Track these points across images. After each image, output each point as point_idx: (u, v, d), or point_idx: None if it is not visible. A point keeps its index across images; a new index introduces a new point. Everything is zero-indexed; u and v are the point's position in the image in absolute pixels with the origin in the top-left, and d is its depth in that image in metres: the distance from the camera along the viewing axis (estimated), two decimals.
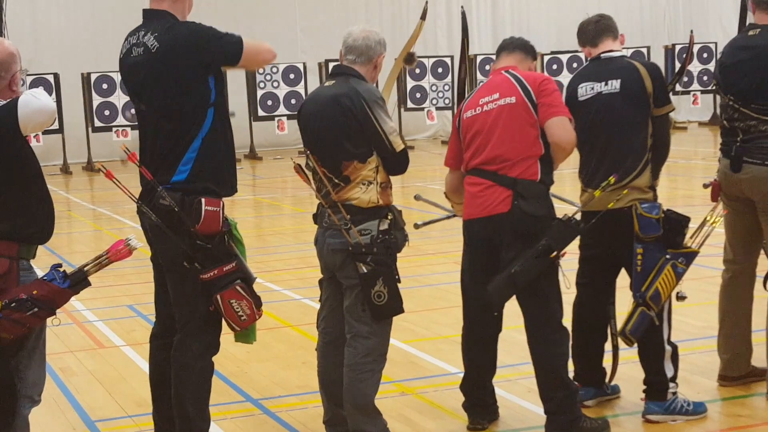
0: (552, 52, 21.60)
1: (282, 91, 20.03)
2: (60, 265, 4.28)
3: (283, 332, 7.37)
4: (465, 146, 5.14)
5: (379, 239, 4.71)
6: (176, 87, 4.48)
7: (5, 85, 4.24)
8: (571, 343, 5.20)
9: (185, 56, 4.45)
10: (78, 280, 4.23)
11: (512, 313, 5.18)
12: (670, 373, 5.22)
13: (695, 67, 21.93)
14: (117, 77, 17.97)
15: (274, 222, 13.16)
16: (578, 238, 5.19)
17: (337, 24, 19.85)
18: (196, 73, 4.48)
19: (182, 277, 4.54)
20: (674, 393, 5.23)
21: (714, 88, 6.42)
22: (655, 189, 5.29)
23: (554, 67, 21.32)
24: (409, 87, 20.83)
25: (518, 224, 4.90)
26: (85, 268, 4.25)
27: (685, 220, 5.17)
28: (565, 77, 20.00)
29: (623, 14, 19.44)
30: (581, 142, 5.26)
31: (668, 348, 5.23)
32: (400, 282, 4.75)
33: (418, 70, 20.76)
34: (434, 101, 21.04)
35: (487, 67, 18.14)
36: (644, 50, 21.60)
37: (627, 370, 5.73)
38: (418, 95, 20.95)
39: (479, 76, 20.19)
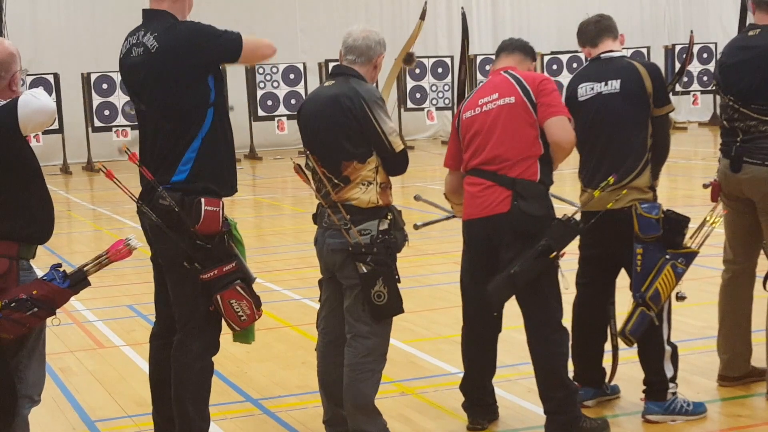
0: (552, 53, 21.61)
1: (282, 91, 20.04)
2: (60, 265, 4.28)
3: (283, 332, 7.37)
4: (464, 147, 5.14)
5: (379, 239, 4.71)
6: (176, 87, 4.48)
7: (5, 85, 4.24)
8: (571, 343, 5.20)
9: (185, 56, 4.45)
10: (78, 280, 4.23)
11: (512, 313, 5.18)
12: (669, 373, 5.22)
13: (695, 67, 21.94)
14: (117, 77, 17.98)
15: (274, 222, 13.17)
16: (578, 238, 5.19)
17: (337, 24, 19.88)
18: (195, 73, 4.48)
19: (182, 277, 4.54)
20: (674, 393, 5.23)
21: (714, 88, 6.42)
22: (655, 189, 5.29)
23: (554, 67, 21.33)
24: (409, 87, 20.84)
25: (518, 224, 4.90)
26: (85, 268, 4.25)
27: (684, 221, 5.17)
28: (565, 77, 20.00)
29: (623, 14, 19.43)
30: (581, 142, 5.26)
31: (668, 348, 5.23)
32: (400, 282, 4.75)
33: (418, 70, 20.77)
34: (434, 101, 21.05)
35: (487, 68, 18.12)
36: (644, 50, 21.61)
37: (627, 370, 5.73)
38: (418, 95, 20.96)
39: (479, 77, 20.19)
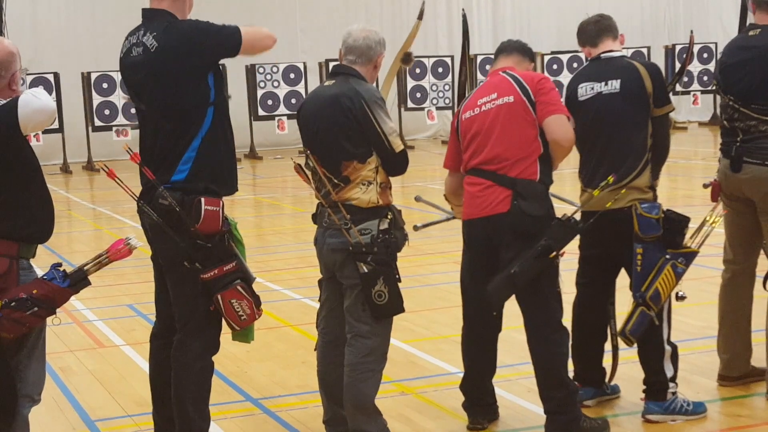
0: (552, 52, 21.62)
1: (282, 90, 20.04)
2: (60, 265, 4.28)
3: (283, 332, 7.37)
4: (464, 147, 5.14)
5: (379, 239, 4.71)
6: (176, 86, 4.48)
7: (5, 85, 4.24)
8: (571, 343, 5.20)
9: (185, 55, 4.45)
10: (78, 280, 4.23)
11: (512, 313, 5.18)
12: (669, 373, 5.22)
13: (695, 67, 21.94)
14: (117, 77, 18.00)
15: (274, 222, 13.17)
16: (578, 237, 5.20)
17: (337, 24, 19.86)
18: (195, 72, 4.48)
19: (182, 276, 4.54)
20: (674, 393, 5.23)
21: (714, 88, 6.42)
22: (655, 189, 5.29)
23: (554, 67, 21.34)
24: (409, 87, 20.85)
25: (517, 224, 4.90)
26: (85, 268, 4.25)
27: (684, 220, 5.17)
28: (565, 77, 20.02)
29: (623, 14, 19.40)
30: (581, 142, 5.27)
31: (668, 348, 5.23)
32: (400, 281, 4.75)
33: (418, 70, 20.79)
34: (434, 101, 21.05)
35: (488, 67, 18.21)
36: (644, 50, 21.62)
37: (627, 370, 5.73)
38: (418, 95, 20.96)
39: (480, 77, 20.19)
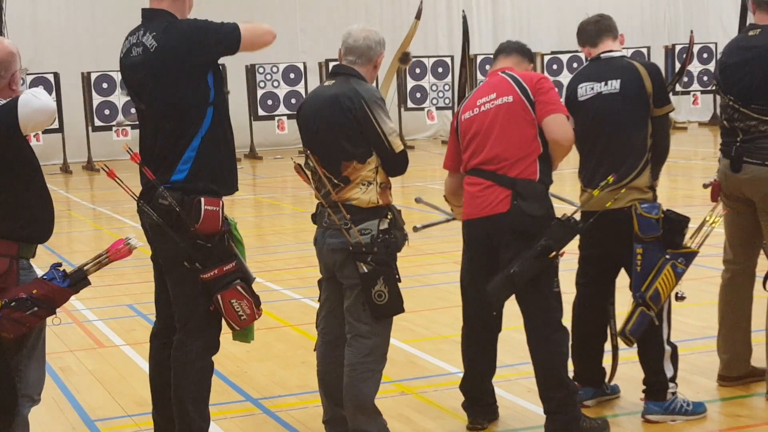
0: (552, 52, 21.62)
1: (282, 90, 20.05)
2: (60, 265, 4.28)
3: (282, 332, 7.37)
4: (464, 147, 5.14)
5: (379, 239, 4.71)
6: (175, 86, 4.48)
7: (5, 85, 4.24)
8: (570, 343, 5.20)
9: (184, 55, 4.45)
10: (78, 280, 4.23)
11: (512, 313, 5.18)
12: (669, 373, 5.22)
13: (695, 67, 21.94)
14: (117, 76, 18.00)
15: (274, 222, 13.17)
16: (578, 237, 5.20)
17: (337, 24, 19.86)
18: (195, 71, 4.48)
19: (182, 276, 4.54)
20: (674, 393, 5.23)
21: (714, 88, 6.41)
22: (655, 189, 5.29)
23: (554, 67, 21.34)
24: (409, 87, 20.85)
25: (517, 224, 4.90)
26: (85, 268, 4.25)
27: (684, 221, 5.17)
28: (565, 77, 20.02)
29: (623, 14, 19.41)
30: (581, 142, 5.27)
31: (668, 348, 5.23)
32: (400, 281, 4.75)
33: (418, 70, 20.79)
34: (434, 101, 21.05)
35: (488, 67, 18.23)
36: (644, 50, 21.62)
37: (627, 370, 5.73)
38: (418, 95, 20.96)
39: (479, 77, 20.19)
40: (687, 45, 17.37)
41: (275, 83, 20.01)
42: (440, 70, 21.07)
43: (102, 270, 4.31)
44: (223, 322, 4.59)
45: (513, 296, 5.00)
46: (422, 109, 21.04)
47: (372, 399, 4.81)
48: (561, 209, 5.19)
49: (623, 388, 5.62)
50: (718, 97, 5.91)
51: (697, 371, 5.93)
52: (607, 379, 5.58)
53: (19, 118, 4.11)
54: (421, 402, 5.74)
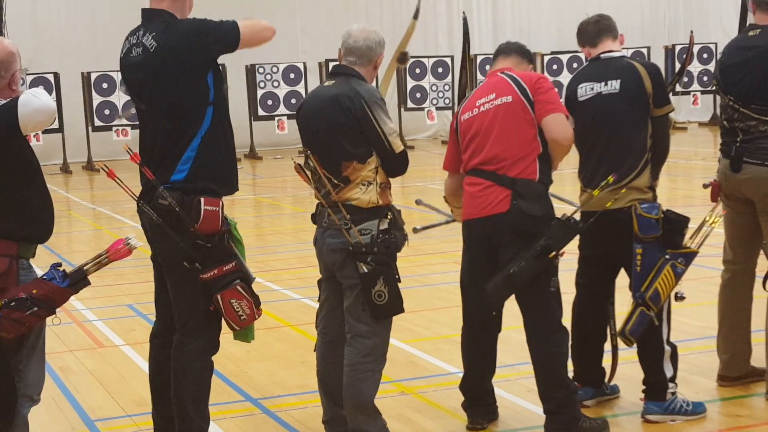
0: (552, 53, 21.63)
1: (282, 90, 20.05)
2: (59, 264, 4.28)
3: (282, 332, 7.37)
4: (463, 148, 5.14)
5: (379, 239, 4.71)
6: (175, 86, 4.48)
7: (5, 85, 4.24)
8: (570, 343, 5.20)
9: (184, 55, 4.45)
10: (77, 279, 4.23)
11: (512, 313, 5.18)
12: (669, 373, 5.22)
13: (695, 67, 21.94)
14: (117, 76, 17.98)
15: (274, 222, 13.17)
16: (577, 237, 5.20)
17: (337, 24, 19.87)
18: (195, 71, 4.48)
19: (182, 276, 4.54)
20: (673, 393, 5.23)
21: (714, 88, 6.41)
22: (655, 189, 5.29)
23: (554, 67, 21.34)
24: (409, 87, 20.85)
25: (517, 224, 4.90)
26: (85, 268, 4.25)
27: (684, 221, 5.17)
28: (565, 77, 20.02)
29: (623, 14, 19.43)
30: (581, 142, 5.27)
31: (667, 348, 5.24)
32: (400, 281, 4.75)
33: (418, 70, 20.79)
34: (434, 101, 21.05)
35: (488, 67, 18.24)
36: (644, 50, 21.62)
37: (626, 370, 5.73)
38: (418, 95, 20.96)
39: (480, 77, 20.19)
40: (687, 45, 17.38)
41: (275, 83, 20.01)
42: (440, 70, 21.06)
43: (102, 270, 4.31)
44: (223, 322, 4.59)
45: (513, 296, 5.00)
46: (422, 109, 21.04)
47: (372, 399, 4.81)
48: (561, 209, 5.19)
49: (623, 388, 5.62)
50: (718, 97, 5.91)
51: (696, 371, 5.93)
52: (606, 379, 5.58)
53: (19, 118, 4.11)
54: (420, 402, 5.74)
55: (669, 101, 5.34)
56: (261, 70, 19.85)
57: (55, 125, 17.66)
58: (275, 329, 7.36)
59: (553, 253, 4.85)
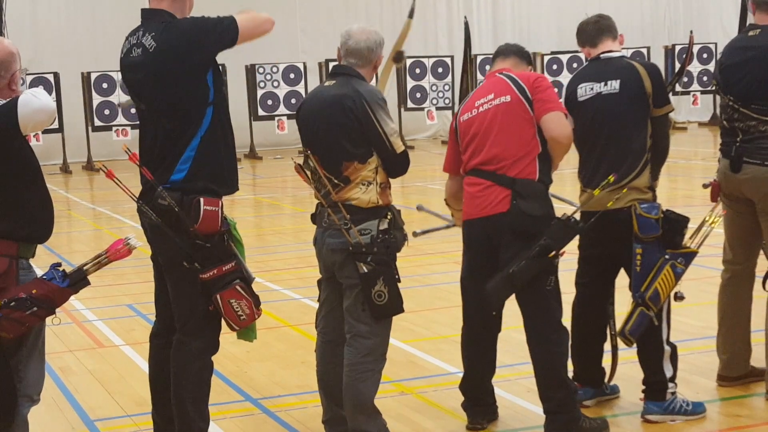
0: (552, 53, 21.63)
1: (282, 90, 20.05)
2: (59, 264, 4.28)
3: (282, 332, 7.37)
4: (463, 148, 5.14)
5: (379, 239, 4.71)
6: (175, 86, 4.48)
7: (5, 85, 4.24)
8: (570, 342, 5.20)
9: (183, 54, 4.45)
10: (77, 279, 4.23)
11: (512, 313, 5.18)
12: (669, 373, 5.22)
13: (695, 67, 21.94)
14: (117, 76, 17.99)
15: (274, 222, 13.17)
16: (577, 237, 5.20)
17: (337, 24, 19.84)
18: (194, 71, 4.48)
19: (182, 276, 4.54)
20: (673, 393, 5.23)
21: (714, 88, 6.41)
22: (654, 189, 5.29)
23: (554, 67, 21.35)
24: (409, 87, 20.85)
25: (517, 224, 4.90)
26: (85, 268, 4.25)
27: (684, 221, 5.17)
28: (565, 77, 20.02)
29: (623, 14, 19.43)
30: (581, 142, 5.27)
31: (667, 348, 5.24)
32: (400, 282, 4.75)
33: (417, 70, 20.80)
34: (434, 101, 21.05)
35: (488, 68, 18.22)
36: (644, 50, 21.62)
37: (626, 370, 5.73)
38: (418, 95, 20.96)
39: (479, 77, 20.19)
40: (687, 45, 17.36)
41: (275, 83, 20.01)
42: (440, 70, 21.06)
43: (102, 270, 4.31)
44: (223, 322, 4.59)
45: (513, 296, 5.00)
46: (422, 109, 21.04)
47: (371, 399, 4.81)
48: (561, 209, 5.19)
49: (623, 388, 5.62)
50: (718, 97, 5.91)
51: (696, 371, 5.93)
52: (606, 379, 5.58)
53: (19, 118, 4.11)
54: (420, 402, 5.74)
55: (669, 101, 5.34)
56: (261, 70, 19.85)
57: (55, 125, 17.66)
58: (275, 329, 7.36)
59: (553, 252, 4.85)
